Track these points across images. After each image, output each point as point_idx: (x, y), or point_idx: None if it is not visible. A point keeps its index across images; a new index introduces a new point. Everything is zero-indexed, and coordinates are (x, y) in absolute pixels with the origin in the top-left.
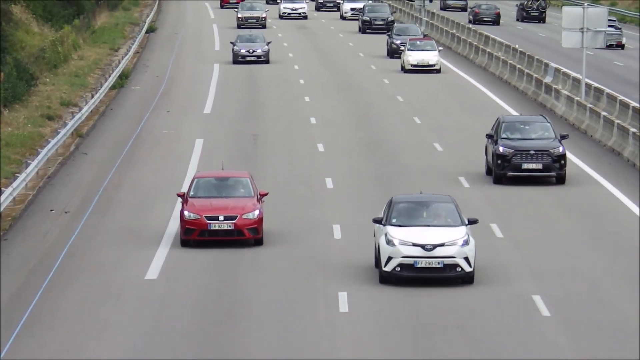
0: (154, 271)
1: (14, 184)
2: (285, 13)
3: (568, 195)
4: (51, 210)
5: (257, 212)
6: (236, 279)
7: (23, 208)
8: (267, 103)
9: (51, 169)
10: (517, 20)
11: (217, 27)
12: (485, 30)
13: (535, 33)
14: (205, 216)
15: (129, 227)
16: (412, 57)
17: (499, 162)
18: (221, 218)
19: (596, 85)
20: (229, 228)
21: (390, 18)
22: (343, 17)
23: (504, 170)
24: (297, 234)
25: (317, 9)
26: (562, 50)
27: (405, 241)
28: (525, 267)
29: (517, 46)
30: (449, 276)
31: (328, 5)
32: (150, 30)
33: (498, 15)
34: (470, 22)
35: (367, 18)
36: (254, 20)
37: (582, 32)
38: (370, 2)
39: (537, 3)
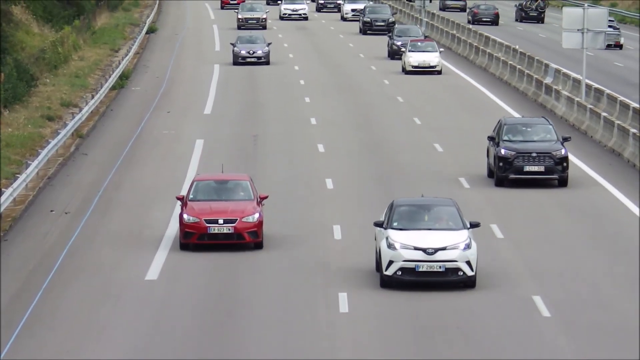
0: (154, 272)
1: (14, 185)
2: (285, 14)
3: (568, 195)
4: (51, 211)
5: (257, 215)
6: (236, 279)
7: (23, 209)
8: (267, 104)
9: (51, 169)
10: (516, 20)
11: (217, 28)
12: (484, 30)
13: (536, 34)
14: (204, 219)
15: (129, 227)
16: (413, 59)
17: (501, 164)
18: (221, 221)
19: (596, 86)
20: (228, 232)
21: (391, 19)
22: (344, 18)
23: (506, 172)
24: (297, 234)
25: (318, 10)
26: (562, 51)
27: (406, 245)
28: (526, 267)
29: (517, 47)
30: (450, 280)
31: (329, 6)
32: (151, 31)
33: (497, 16)
34: (469, 22)
35: (368, 19)
36: (255, 21)
37: (583, 33)
38: (371, 3)
39: (536, 3)
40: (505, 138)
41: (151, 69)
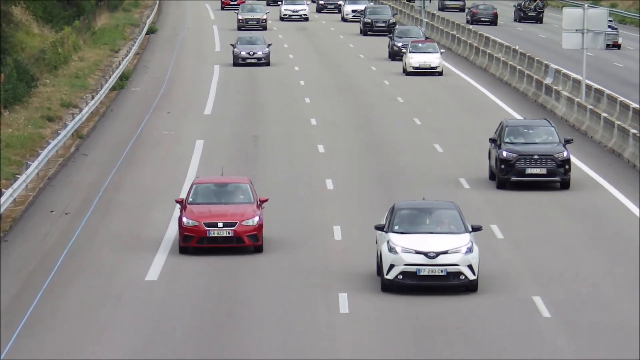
0: (154, 273)
1: (15, 185)
2: (286, 15)
3: (568, 196)
4: (51, 212)
5: (256, 218)
6: (236, 279)
7: (23, 209)
8: (267, 104)
9: (51, 170)
10: (515, 20)
11: (217, 29)
12: (483, 30)
13: (535, 34)
14: (204, 223)
15: (129, 228)
16: (414, 60)
17: (503, 167)
18: (220, 225)
19: (596, 86)
20: (228, 235)
21: (392, 20)
22: (344, 19)
23: (508, 175)
24: (297, 235)
25: (318, 10)
26: (562, 52)
27: (407, 248)
28: (526, 268)
29: (517, 47)
30: (452, 284)
31: (329, 7)
32: (151, 31)
33: (495, 16)
34: (467, 22)
35: (369, 20)
36: (255, 22)
37: (583, 34)
38: (371, 3)
39: (535, 4)
40: (507, 140)
41: (151, 69)
